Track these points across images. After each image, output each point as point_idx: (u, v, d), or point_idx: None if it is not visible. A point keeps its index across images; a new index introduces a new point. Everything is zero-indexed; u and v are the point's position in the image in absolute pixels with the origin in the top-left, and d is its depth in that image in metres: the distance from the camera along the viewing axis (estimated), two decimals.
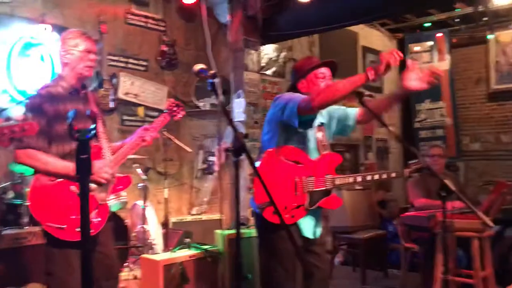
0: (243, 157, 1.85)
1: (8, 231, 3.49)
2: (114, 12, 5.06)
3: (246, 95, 5.44)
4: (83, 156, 1.31)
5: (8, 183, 3.79)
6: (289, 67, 6.05)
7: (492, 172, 7.35)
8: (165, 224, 4.68)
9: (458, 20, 7.40)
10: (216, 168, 5.61)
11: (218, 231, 3.99)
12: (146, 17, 5.38)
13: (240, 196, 1.89)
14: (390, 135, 7.90)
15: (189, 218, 5.22)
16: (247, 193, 4.45)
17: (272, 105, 2.63)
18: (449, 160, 5.76)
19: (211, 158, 5.76)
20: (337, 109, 2.80)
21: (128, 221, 4.61)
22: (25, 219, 3.62)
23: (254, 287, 3.55)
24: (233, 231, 3.72)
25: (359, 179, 2.63)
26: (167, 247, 4.38)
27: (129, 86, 5.16)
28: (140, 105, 5.27)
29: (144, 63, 5.36)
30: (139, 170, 4.55)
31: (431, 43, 7.72)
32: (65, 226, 2.31)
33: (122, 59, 5.12)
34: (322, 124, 2.72)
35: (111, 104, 4.94)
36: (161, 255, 3.73)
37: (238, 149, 1.84)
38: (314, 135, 2.64)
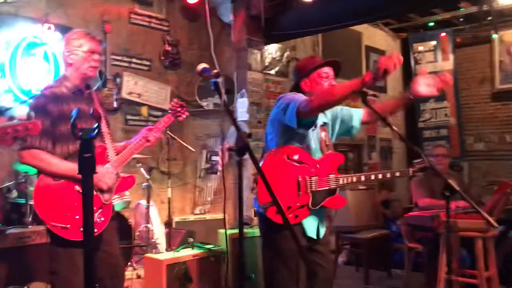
0: (246, 156, 1.84)
1: (12, 230, 3.49)
2: (117, 12, 5.08)
3: (249, 94, 5.44)
4: (87, 155, 1.31)
5: (12, 182, 3.80)
6: (292, 66, 6.04)
7: (496, 172, 7.33)
8: (168, 224, 4.68)
9: (462, 19, 7.36)
10: (219, 167, 5.61)
11: (222, 231, 3.98)
12: (149, 16, 5.39)
13: (243, 195, 1.88)
14: (393, 135, 7.87)
15: (192, 217, 5.23)
16: (251, 192, 4.45)
17: (275, 104, 2.62)
18: (453, 160, 5.74)
19: (214, 158, 5.76)
20: (341, 110, 2.79)
21: (132, 220, 4.61)
22: (29, 218, 3.63)
23: (258, 287, 3.55)
24: (236, 231, 3.71)
25: (362, 178, 2.63)
26: (170, 247, 4.38)
27: (133, 86, 5.17)
28: (143, 104, 5.28)
29: (148, 63, 5.37)
30: (142, 170, 4.56)
31: (435, 42, 7.69)
32: (69, 225, 2.32)
33: (125, 58, 5.13)
34: (325, 124, 2.71)
35: (115, 104, 4.95)
36: (164, 255, 3.73)
37: (241, 148, 1.84)
38: (317, 135, 2.63)
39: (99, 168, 2.43)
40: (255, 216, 3.68)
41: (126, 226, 4.27)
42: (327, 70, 2.63)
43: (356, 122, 2.78)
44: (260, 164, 2.51)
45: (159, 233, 4.63)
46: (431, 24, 7.68)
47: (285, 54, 6.16)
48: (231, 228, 3.98)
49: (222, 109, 5.24)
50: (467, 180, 7.38)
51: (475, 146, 7.85)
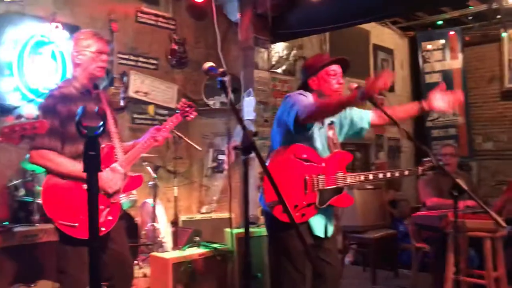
0: (252, 155, 1.84)
1: (19, 228, 3.51)
2: (124, 11, 5.08)
3: (256, 93, 5.42)
4: (91, 153, 1.30)
5: (20, 180, 3.82)
6: (299, 65, 6.02)
7: (505, 172, 7.26)
8: (174, 223, 4.68)
9: (471, 17, 7.30)
10: (225, 166, 5.60)
11: (228, 230, 3.97)
12: (156, 15, 5.39)
13: (249, 194, 1.87)
14: (401, 134, 7.83)
15: (198, 216, 5.22)
16: (257, 191, 4.44)
17: (282, 103, 2.61)
18: (461, 159, 5.70)
19: (220, 157, 5.75)
20: (350, 110, 2.77)
21: (138, 219, 4.62)
22: (36, 216, 3.65)
23: (264, 286, 3.54)
24: (242, 230, 3.70)
25: (371, 177, 2.61)
26: (176, 245, 4.38)
27: (139, 85, 5.18)
28: (150, 103, 5.28)
29: (154, 62, 5.37)
30: (149, 168, 4.56)
31: (443, 41, 7.64)
32: (77, 224, 2.32)
33: (132, 57, 5.14)
34: (332, 122, 2.70)
35: (122, 103, 4.96)
36: (170, 253, 3.73)
37: (247, 147, 1.83)
38: (325, 133, 2.62)
39: (106, 173, 2.45)
40: (261, 215, 3.67)
41: (132, 225, 4.28)
42: (335, 68, 2.61)
43: (366, 124, 2.78)
44: (267, 162, 2.50)
45: (165, 232, 4.63)
46: (440, 22, 7.62)
47: (292, 53, 6.14)
48: (238, 227, 3.97)
49: (229, 108, 5.21)
50: (476, 179, 7.32)
51: (483, 146, 7.79)
